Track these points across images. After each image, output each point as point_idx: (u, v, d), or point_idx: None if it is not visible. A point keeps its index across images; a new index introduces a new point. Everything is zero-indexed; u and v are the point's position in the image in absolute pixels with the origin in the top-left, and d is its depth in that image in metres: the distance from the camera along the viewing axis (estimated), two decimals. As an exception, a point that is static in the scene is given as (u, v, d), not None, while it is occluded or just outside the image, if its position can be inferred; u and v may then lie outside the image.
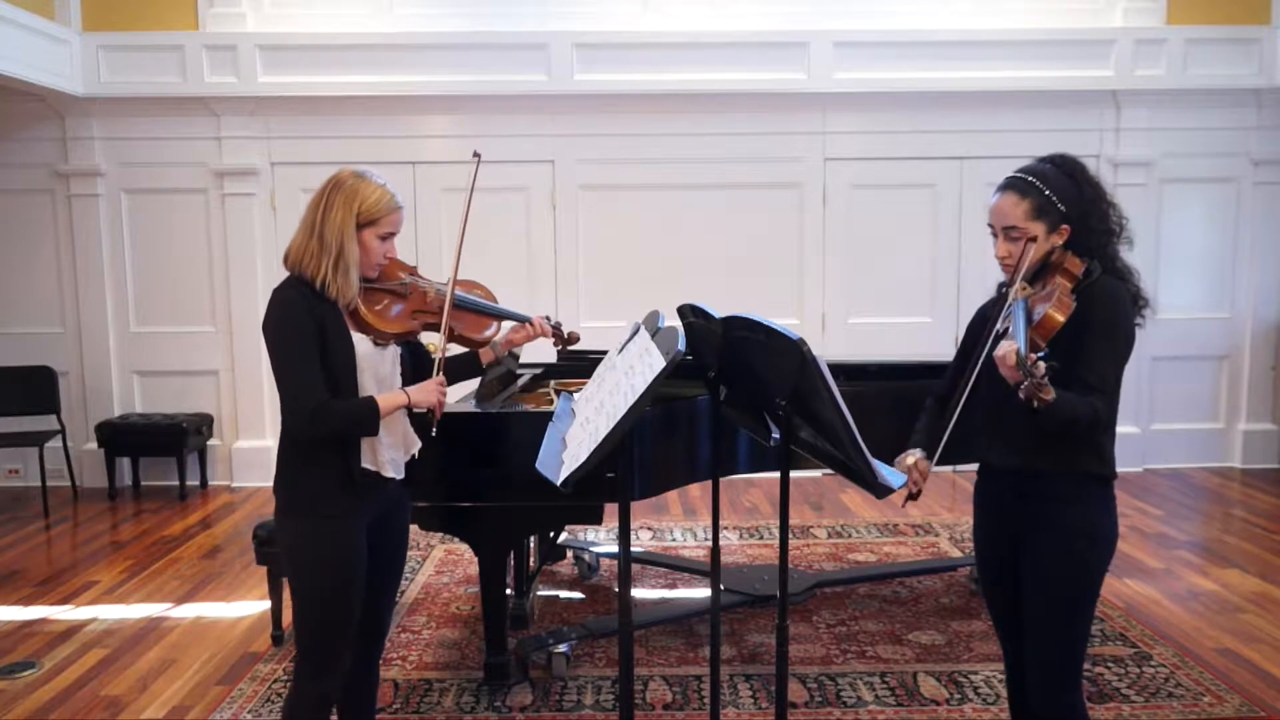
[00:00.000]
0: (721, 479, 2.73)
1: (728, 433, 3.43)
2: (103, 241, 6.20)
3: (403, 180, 5.99)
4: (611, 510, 2.77)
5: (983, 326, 2.22)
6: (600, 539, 4.97)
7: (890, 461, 2.08)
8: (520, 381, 3.96)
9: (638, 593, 4.29)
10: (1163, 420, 6.52)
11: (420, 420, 2.41)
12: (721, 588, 2.67)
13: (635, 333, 2.15)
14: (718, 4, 6.17)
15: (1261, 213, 6.40)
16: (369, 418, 2.21)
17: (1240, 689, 3.33)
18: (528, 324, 2.68)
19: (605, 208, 6.30)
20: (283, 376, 2.18)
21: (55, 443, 5.95)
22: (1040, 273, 2.13)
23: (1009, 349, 1.89)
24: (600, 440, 1.86)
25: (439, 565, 4.74)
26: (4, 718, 3.23)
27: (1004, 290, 2.21)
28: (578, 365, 4.03)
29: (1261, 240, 6.42)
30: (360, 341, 2.27)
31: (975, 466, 2.33)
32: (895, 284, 6.40)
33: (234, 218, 6.20)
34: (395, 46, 6.04)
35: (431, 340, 2.50)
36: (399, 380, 2.38)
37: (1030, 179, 2.13)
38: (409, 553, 4.81)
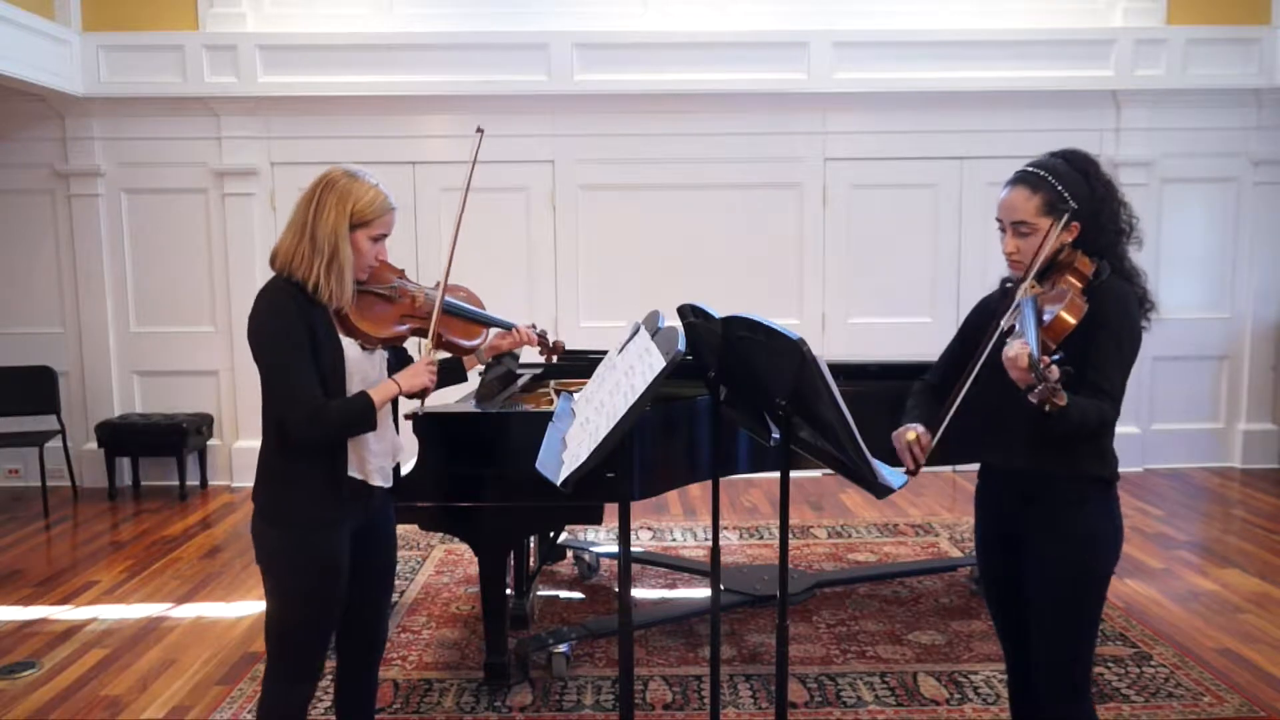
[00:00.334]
0: (721, 479, 2.72)
1: (727, 433, 3.43)
2: (103, 241, 6.20)
3: (402, 180, 6.00)
4: (611, 510, 2.76)
5: (984, 320, 2.15)
6: (600, 539, 4.97)
7: (889, 460, 2.04)
8: (520, 381, 3.96)
9: (638, 593, 4.29)
10: (1163, 420, 6.51)
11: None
12: (721, 588, 2.67)
13: (635, 333, 2.15)
14: (718, 4, 6.17)
15: (1261, 213, 6.40)
16: (366, 413, 2.17)
17: (1240, 689, 3.33)
18: (514, 330, 2.67)
19: (605, 208, 6.30)
20: (278, 381, 2.12)
21: (55, 443, 5.94)
22: (1048, 271, 2.06)
23: (1021, 351, 1.80)
24: (600, 440, 1.86)
25: (439, 565, 4.74)
26: (4, 718, 3.23)
27: (1009, 286, 2.15)
28: (578, 365, 4.02)
29: (1261, 240, 6.42)
30: (349, 346, 2.22)
31: (976, 467, 2.32)
32: (895, 284, 6.40)
33: (234, 218, 6.20)
34: (395, 46, 6.04)
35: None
36: None
37: (1042, 173, 2.07)
38: (409, 553, 4.87)
